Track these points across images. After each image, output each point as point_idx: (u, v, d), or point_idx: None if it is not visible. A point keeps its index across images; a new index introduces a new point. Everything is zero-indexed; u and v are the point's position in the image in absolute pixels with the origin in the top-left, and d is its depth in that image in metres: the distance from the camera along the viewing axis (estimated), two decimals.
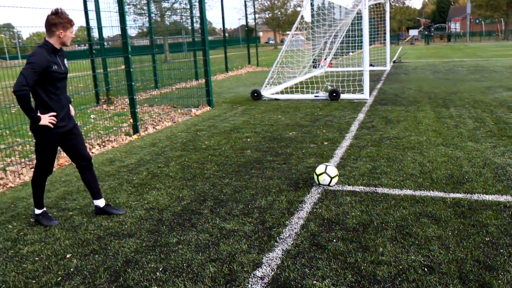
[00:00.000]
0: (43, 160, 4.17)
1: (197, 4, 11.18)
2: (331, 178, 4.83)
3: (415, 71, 18.20)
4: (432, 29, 61.46)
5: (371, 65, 20.45)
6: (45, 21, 3.94)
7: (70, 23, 3.98)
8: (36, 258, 3.63)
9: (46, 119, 3.95)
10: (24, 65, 3.82)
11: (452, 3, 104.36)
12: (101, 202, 4.46)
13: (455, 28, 68.31)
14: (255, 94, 11.94)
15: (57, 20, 3.91)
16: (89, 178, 4.42)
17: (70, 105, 4.34)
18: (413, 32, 64.25)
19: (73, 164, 5.48)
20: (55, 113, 4.01)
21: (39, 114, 3.94)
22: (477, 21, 74.31)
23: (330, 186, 4.88)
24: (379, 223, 3.94)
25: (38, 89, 3.93)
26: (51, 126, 3.97)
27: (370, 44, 25.74)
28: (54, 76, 3.95)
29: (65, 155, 6.73)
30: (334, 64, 21.28)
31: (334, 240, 3.66)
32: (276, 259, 3.41)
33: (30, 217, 4.49)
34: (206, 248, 3.64)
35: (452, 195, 4.50)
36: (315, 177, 4.91)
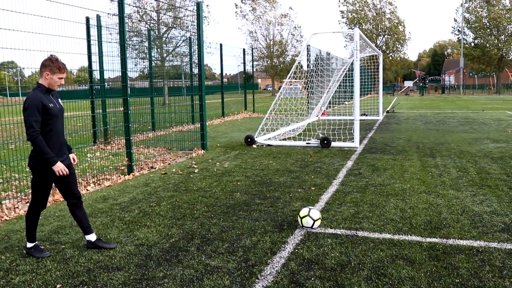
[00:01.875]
0: (39, 194, 4.42)
1: (196, 50, 11.65)
2: (314, 221, 5.05)
3: (407, 121, 18.65)
4: (427, 81, 62.80)
5: (364, 114, 20.95)
6: (40, 64, 4.31)
7: (59, 69, 4.31)
8: None
9: (61, 167, 4.25)
10: (24, 111, 4.15)
11: (447, 56, 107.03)
12: (92, 237, 4.66)
13: (449, 81, 69.80)
14: (249, 140, 12.25)
15: (47, 63, 4.29)
16: (79, 215, 4.62)
17: (72, 154, 4.65)
18: (409, 83, 65.59)
19: None
20: (67, 171, 4.29)
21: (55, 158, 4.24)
22: (471, 74, 76.10)
23: (313, 228, 5.09)
24: (356, 263, 4.14)
25: (42, 126, 4.24)
26: (60, 174, 4.22)
27: (366, 94, 26.46)
28: (51, 113, 4.28)
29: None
30: (328, 113, 21.77)
31: (312, 279, 3.85)
32: None
33: (23, 249, 4.66)
34: (190, 283, 3.82)
35: (428, 239, 4.72)
36: (299, 219, 5.13)
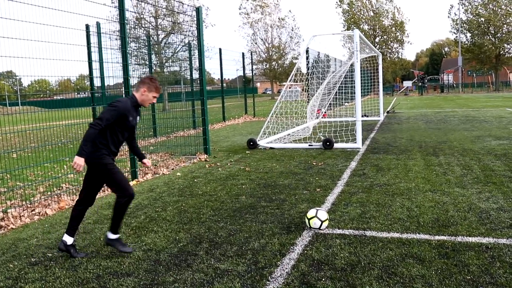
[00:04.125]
0: (123, 181, 4.52)
1: (196, 55, 11.67)
2: (322, 222, 5.04)
3: (408, 121, 18.66)
4: (426, 81, 62.91)
5: (365, 115, 20.97)
6: (140, 80, 4.69)
7: (156, 88, 4.66)
8: None
9: (81, 162, 4.27)
10: (107, 107, 4.44)
11: (445, 55, 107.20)
12: (111, 235, 4.65)
13: (448, 80, 69.92)
14: (251, 143, 12.25)
15: (146, 81, 4.63)
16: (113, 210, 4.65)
17: (146, 159, 4.96)
18: (408, 84, 65.69)
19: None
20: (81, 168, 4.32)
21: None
22: (469, 73, 76.20)
23: (321, 229, 5.08)
24: (366, 263, 4.13)
25: (109, 127, 4.46)
26: (77, 170, 4.29)
27: (365, 95, 26.50)
28: (127, 125, 4.57)
29: (66, 198, 6.95)
30: (329, 115, 21.78)
31: (323, 279, 3.84)
32: None
33: (31, 257, 4.65)
34: (201, 286, 3.81)
35: (437, 237, 4.71)
36: (306, 221, 5.12)
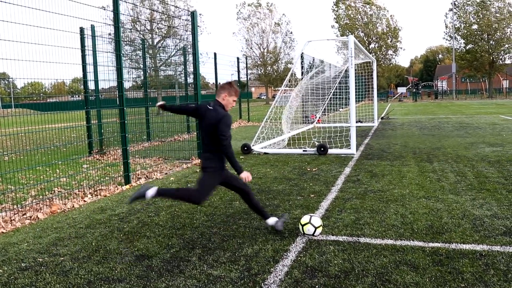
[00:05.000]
0: (207, 192, 4.93)
1: (190, 59, 11.65)
2: (315, 228, 5.01)
3: (402, 127, 18.70)
4: (420, 87, 63.20)
5: (359, 121, 21.00)
6: (220, 86, 5.05)
7: (235, 92, 5.01)
8: None
9: (248, 176, 5.01)
10: (223, 122, 4.76)
11: (439, 62, 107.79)
12: (271, 221, 5.21)
13: (442, 86, 70.26)
14: (245, 148, 12.22)
15: (226, 86, 4.97)
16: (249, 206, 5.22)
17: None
18: (402, 90, 65.95)
19: (73, 210, 5.66)
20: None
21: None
22: (463, 79, 76.64)
23: (315, 236, 5.05)
24: (360, 270, 4.10)
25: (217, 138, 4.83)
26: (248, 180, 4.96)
27: (360, 101, 26.56)
28: None
29: (58, 202, 6.88)
30: (324, 120, 21.80)
31: (317, 286, 3.81)
32: None
33: (21, 262, 4.59)
34: None
35: (431, 244, 4.69)
36: (300, 227, 5.09)
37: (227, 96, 4.95)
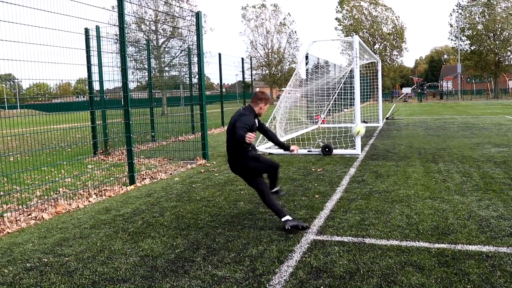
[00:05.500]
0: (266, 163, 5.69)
1: (195, 60, 11.66)
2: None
3: (407, 128, 18.64)
4: (425, 87, 63.01)
5: (364, 121, 20.94)
6: (254, 94, 5.67)
7: (269, 100, 5.69)
8: None
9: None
10: (240, 119, 5.32)
11: (444, 62, 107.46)
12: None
13: (447, 87, 70.04)
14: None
15: (263, 97, 5.62)
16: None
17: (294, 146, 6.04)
18: (407, 90, 65.78)
19: (78, 211, 5.66)
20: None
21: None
22: (468, 80, 76.35)
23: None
24: (365, 271, 4.08)
25: None
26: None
27: (364, 101, 26.52)
28: (253, 129, 5.44)
29: (63, 202, 6.89)
30: (328, 121, 21.76)
31: (322, 287, 3.79)
32: None
33: (27, 262, 4.59)
34: None
35: (436, 245, 4.67)
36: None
37: (263, 105, 5.63)
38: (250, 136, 5.05)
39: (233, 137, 5.30)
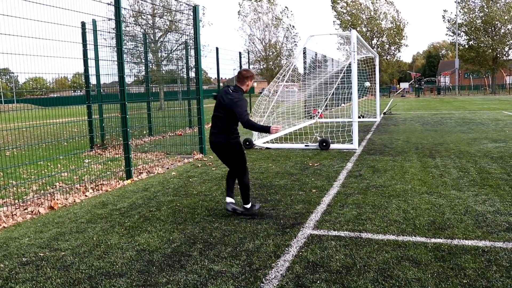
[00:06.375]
0: (246, 161, 5.78)
1: (192, 53, 11.62)
2: None
3: (404, 123, 18.65)
4: (423, 82, 63.01)
5: (361, 116, 20.94)
6: (240, 74, 5.72)
7: (253, 76, 5.80)
8: None
9: (275, 128, 5.47)
10: (239, 106, 5.47)
11: (442, 57, 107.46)
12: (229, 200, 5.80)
13: (445, 82, 70.08)
14: (247, 143, 12.19)
15: (248, 74, 5.71)
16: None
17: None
18: (404, 85, 65.78)
19: (74, 205, 5.63)
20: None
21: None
22: (466, 75, 76.38)
23: None
24: (362, 266, 4.08)
25: (235, 116, 5.52)
26: (278, 130, 5.52)
27: (362, 96, 26.49)
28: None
29: (59, 196, 6.87)
30: (326, 115, 21.75)
31: (318, 282, 3.79)
32: None
33: (23, 257, 4.58)
34: None
35: (433, 240, 4.67)
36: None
37: (250, 82, 5.74)
38: (275, 129, 5.44)
39: (240, 121, 5.48)
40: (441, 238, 4.71)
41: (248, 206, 5.80)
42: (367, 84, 19.68)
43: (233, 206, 5.71)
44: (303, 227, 5.24)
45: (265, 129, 5.50)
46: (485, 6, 56.13)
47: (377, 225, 5.22)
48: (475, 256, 4.20)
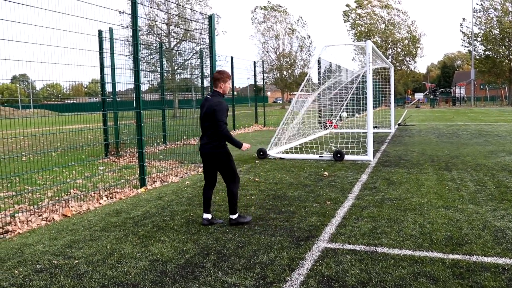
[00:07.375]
0: (235, 170, 5.79)
1: (207, 62, 11.65)
2: None
3: (419, 134, 18.48)
4: (438, 93, 62.49)
5: (376, 127, 20.80)
6: (212, 78, 5.68)
7: (228, 77, 5.71)
8: None
9: (246, 146, 5.73)
10: (218, 111, 5.48)
11: (457, 68, 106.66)
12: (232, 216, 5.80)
13: (460, 93, 69.42)
14: (261, 153, 12.16)
15: (219, 76, 5.64)
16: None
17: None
18: (419, 96, 65.33)
19: (88, 213, 5.64)
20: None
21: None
22: (482, 86, 75.65)
23: None
24: (377, 281, 4.01)
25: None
26: (247, 149, 5.76)
27: (376, 107, 26.37)
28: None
29: (73, 204, 6.90)
30: (340, 126, 21.65)
31: None
32: None
33: (37, 264, 4.58)
34: None
35: (451, 256, 4.58)
36: None
37: (223, 84, 5.67)
38: (245, 146, 5.74)
39: (218, 128, 5.51)
40: (459, 254, 4.62)
41: (235, 216, 5.80)
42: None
43: (209, 222, 5.85)
44: (317, 240, 5.18)
45: (238, 144, 5.64)
46: (502, 17, 55.63)
47: (393, 239, 5.14)
48: (495, 274, 4.10)
